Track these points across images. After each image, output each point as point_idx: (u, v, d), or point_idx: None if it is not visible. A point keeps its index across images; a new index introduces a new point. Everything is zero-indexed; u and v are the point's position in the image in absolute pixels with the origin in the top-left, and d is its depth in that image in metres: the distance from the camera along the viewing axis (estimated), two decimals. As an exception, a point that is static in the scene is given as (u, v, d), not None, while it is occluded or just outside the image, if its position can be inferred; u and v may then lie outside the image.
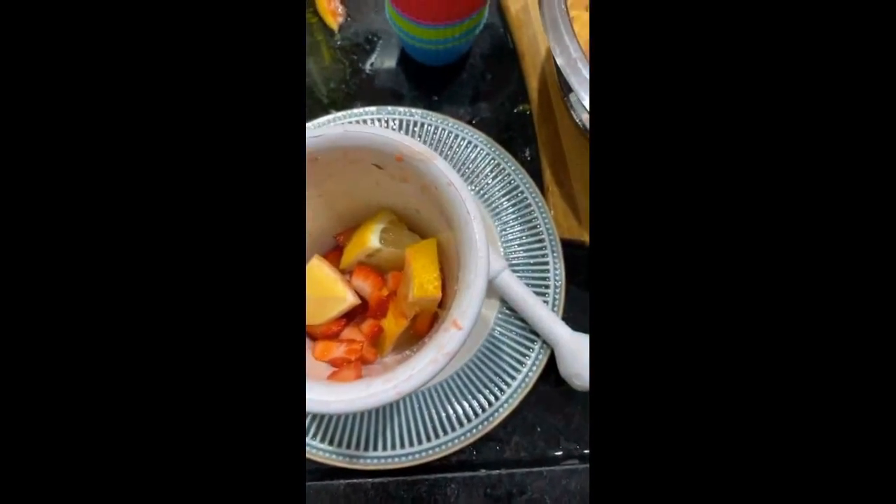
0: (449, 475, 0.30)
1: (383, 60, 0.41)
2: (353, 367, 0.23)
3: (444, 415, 0.31)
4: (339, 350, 0.24)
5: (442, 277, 0.24)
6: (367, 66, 0.41)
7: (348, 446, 0.30)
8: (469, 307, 0.19)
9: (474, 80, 0.41)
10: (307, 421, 0.30)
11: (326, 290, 0.25)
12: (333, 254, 0.29)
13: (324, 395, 0.18)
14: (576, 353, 0.29)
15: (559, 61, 0.29)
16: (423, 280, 0.23)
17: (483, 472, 0.31)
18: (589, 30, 0.29)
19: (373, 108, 0.37)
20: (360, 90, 0.40)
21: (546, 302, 0.32)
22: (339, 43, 0.41)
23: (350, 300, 0.25)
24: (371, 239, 0.26)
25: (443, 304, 0.25)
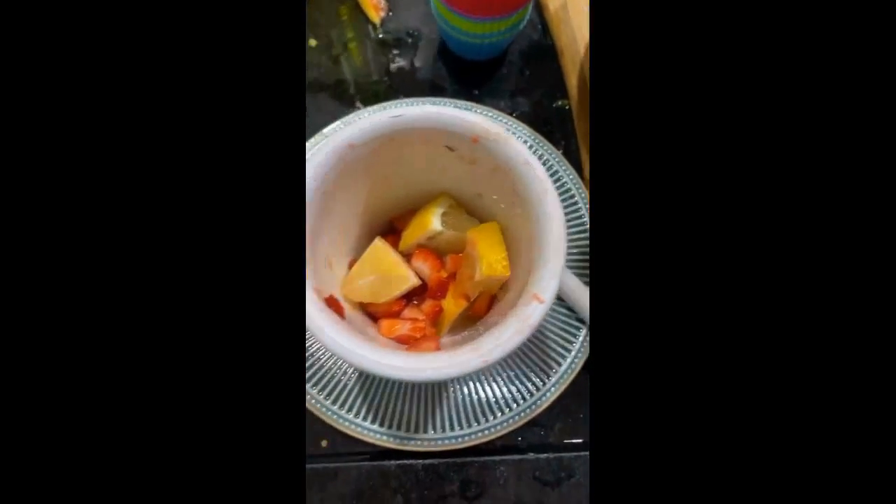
0: (497, 458, 0.31)
1: (424, 55, 0.42)
2: (432, 339, 0.23)
3: (491, 399, 0.31)
4: (404, 328, 0.25)
5: (505, 259, 0.25)
6: (409, 60, 0.42)
7: (398, 428, 0.30)
8: (549, 282, 0.19)
9: (513, 75, 0.41)
10: (360, 403, 0.31)
11: (390, 269, 0.25)
12: (389, 238, 0.30)
13: (414, 362, 0.18)
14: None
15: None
16: (491, 260, 0.23)
17: (531, 455, 0.31)
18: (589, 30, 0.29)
19: (419, 99, 0.37)
20: (402, 83, 0.41)
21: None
22: (381, 36, 0.42)
23: (412, 281, 0.26)
24: (433, 222, 0.27)
25: (504, 285, 0.26)
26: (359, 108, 0.39)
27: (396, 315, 0.26)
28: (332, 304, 0.21)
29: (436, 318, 0.27)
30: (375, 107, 0.37)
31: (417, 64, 0.42)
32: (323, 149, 0.22)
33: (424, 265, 0.27)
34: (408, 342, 0.24)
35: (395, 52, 0.42)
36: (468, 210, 0.28)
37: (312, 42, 0.42)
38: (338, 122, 0.37)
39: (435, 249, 0.28)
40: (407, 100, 0.38)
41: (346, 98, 0.41)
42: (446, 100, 0.37)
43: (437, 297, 0.27)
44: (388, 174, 0.26)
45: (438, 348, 0.23)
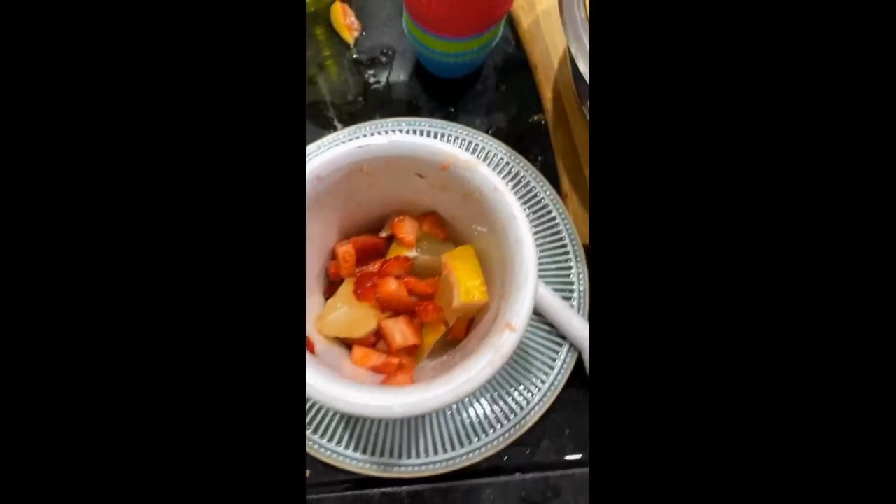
0: (483, 480, 0.31)
1: (399, 73, 0.42)
2: (406, 371, 0.23)
3: (475, 420, 0.31)
4: (379, 358, 0.25)
5: (481, 283, 0.24)
6: (384, 79, 0.42)
7: (381, 455, 0.30)
8: (521, 309, 0.19)
9: (489, 91, 0.42)
10: (341, 431, 0.30)
11: (364, 306, 0.25)
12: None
13: (384, 399, 0.18)
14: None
15: (582, 69, 0.30)
16: (468, 286, 0.23)
17: (517, 475, 0.31)
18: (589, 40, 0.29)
19: (394, 120, 0.37)
20: (377, 102, 0.41)
21: (572, 305, 0.33)
22: (355, 56, 0.42)
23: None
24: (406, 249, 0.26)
25: (481, 308, 0.26)
26: (337, 129, 0.39)
27: (373, 345, 0.26)
28: (302, 339, 0.21)
29: (413, 348, 0.26)
30: (347, 130, 0.37)
31: (393, 83, 0.41)
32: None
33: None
34: (385, 371, 0.24)
35: (371, 72, 0.42)
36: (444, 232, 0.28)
37: (286, 64, 0.42)
38: (311, 146, 0.36)
39: (412, 274, 0.27)
40: (382, 121, 0.37)
41: (323, 119, 0.40)
42: (422, 119, 0.37)
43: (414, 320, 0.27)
44: (360, 200, 0.26)
45: (412, 381, 0.22)
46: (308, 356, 0.20)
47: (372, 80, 0.41)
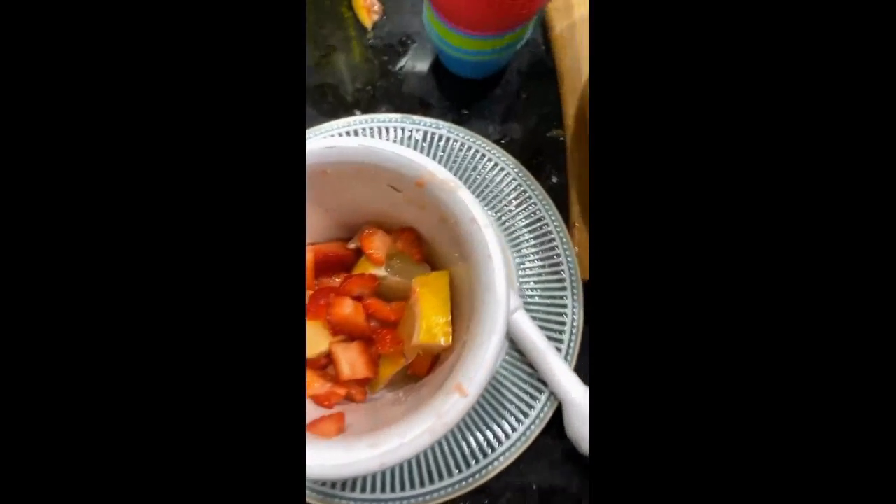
0: (431, 529, 0.28)
1: (415, 65, 0.39)
2: (335, 420, 0.20)
3: (433, 461, 0.28)
4: (323, 387, 0.22)
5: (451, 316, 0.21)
6: (398, 69, 0.38)
7: (324, 482, 0.27)
8: (478, 371, 0.16)
9: (508, 97, 0.38)
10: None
11: (313, 324, 0.22)
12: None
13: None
14: (587, 416, 0.26)
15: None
16: (432, 323, 0.20)
17: (469, 530, 0.28)
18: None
19: (398, 116, 0.34)
20: (387, 93, 0.38)
21: (560, 349, 0.29)
22: (370, 41, 0.39)
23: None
24: (374, 267, 0.23)
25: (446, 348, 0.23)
26: (339, 117, 0.36)
27: (324, 367, 0.23)
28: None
29: (367, 380, 0.23)
30: (342, 121, 0.34)
31: (407, 75, 0.38)
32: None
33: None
34: (325, 402, 0.21)
35: (385, 58, 0.39)
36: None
37: (296, 40, 0.39)
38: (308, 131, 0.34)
39: (378, 295, 0.24)
40: (385, 115, 0.34)
41: (326, 105, 0.37)
42: (428, 119, 0.34)
43: (371, 344, 0.24)
44: (328, 206, 0.23)
45: (342, 430, 0.19)
46: None
47: (385, 68, 0.38)
